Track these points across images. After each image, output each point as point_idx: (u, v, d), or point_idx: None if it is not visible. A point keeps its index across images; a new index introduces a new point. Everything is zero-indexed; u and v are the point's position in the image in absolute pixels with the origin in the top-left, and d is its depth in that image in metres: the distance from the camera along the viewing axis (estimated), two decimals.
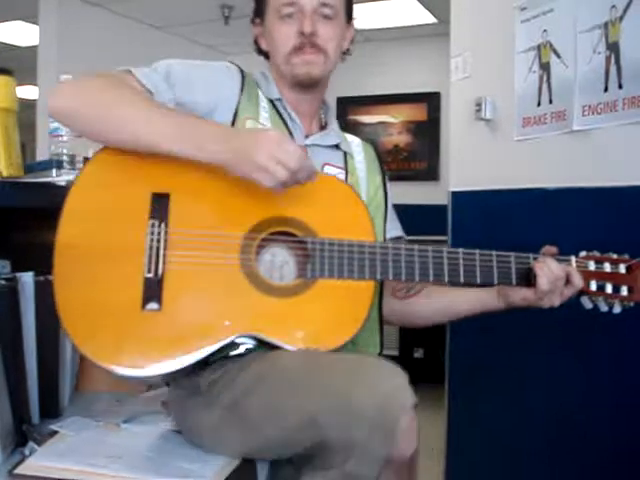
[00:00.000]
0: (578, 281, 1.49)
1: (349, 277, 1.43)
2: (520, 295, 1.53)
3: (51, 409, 1.69)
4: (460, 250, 1.48)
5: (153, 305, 1.35)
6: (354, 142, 1.74)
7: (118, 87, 1.40)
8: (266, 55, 1.67)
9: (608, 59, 2.09)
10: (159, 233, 1.38)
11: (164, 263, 1.37)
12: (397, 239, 1.73)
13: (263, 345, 1.40)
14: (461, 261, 1.48)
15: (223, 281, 1.39)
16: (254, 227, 1.41)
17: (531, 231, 2.39)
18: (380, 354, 1.59)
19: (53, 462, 1.38)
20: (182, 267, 1.37)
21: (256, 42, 1.68)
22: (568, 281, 1.49)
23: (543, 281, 1.47)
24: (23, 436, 1.52)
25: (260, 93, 1.59)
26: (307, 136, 1.62)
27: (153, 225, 1.38)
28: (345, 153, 1.67)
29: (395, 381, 1.26)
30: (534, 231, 2.38)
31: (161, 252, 1.37)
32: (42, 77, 5.30)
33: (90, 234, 1.38)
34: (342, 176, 1.62)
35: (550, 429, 2.37)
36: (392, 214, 1.75)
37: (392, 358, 4.53)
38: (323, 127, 1.69)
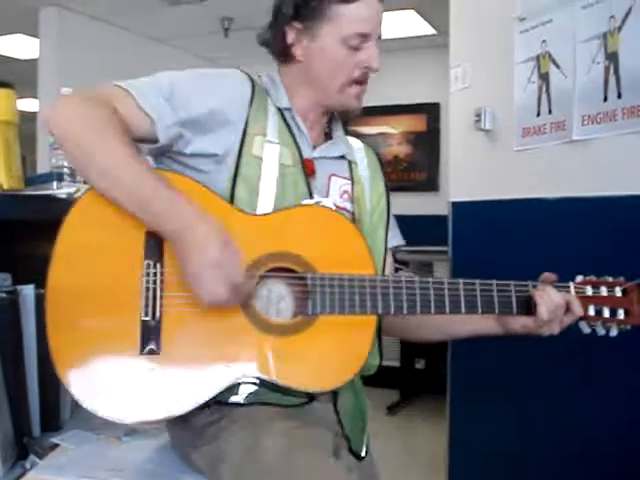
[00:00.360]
0: (578, 309, 1.47)
1: (350, 312, 1.39)
2: (520, 323, 1.50)
3: (52, 422, 1.69)
4: (460, 281, 1.45)
5: (152, 349, 1.32)
6: (357, 147, 1.70)
7: (105, 130, 1.32)
8: (286, 59, 1.56)
9: (607, 69, 2.10)
10: (155, 274, 1.34)
11: (161, 305, 1.33)
12: (396, 248, 1.72)
13: (265, 385, 1.37)
14: (462, 292, 1.45)
15: (223, 321, 1.34)
16: (252, 264, 1.36)
17: (531, 241, 2.40)
18: (380, 365, 1.57)
19: (54, 475, 1.38)
20: (180, 308, 1.33)
21: (283, 44, 1.54)
22: (568, 309, 1.47)
23: (543, 310, 1.44)
24: (24, 449, 1.52)
25: (269, 102, 1.54)
26: (314, 146, 1.58)
27: (148, 266, 1.34)
28: (350, 162, 1.64)
29: None
30: (534, 241, 2.39)
31: (157, 294, 1.33)
32: (42, 90, 5.32)
33: (82, 277, 1.34)
34: (348, 187, 1.59)
35: (552, 439, 2.37)
36: (393, 223, 1.72)
37: (393, 369, 4.57)
38: (328, 135, 1.65)
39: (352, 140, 1.72)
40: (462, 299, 1.44)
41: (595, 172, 2.17)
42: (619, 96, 2.06)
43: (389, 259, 1.67)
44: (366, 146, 1.73)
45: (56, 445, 1.57)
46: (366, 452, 1.52)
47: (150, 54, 5.74)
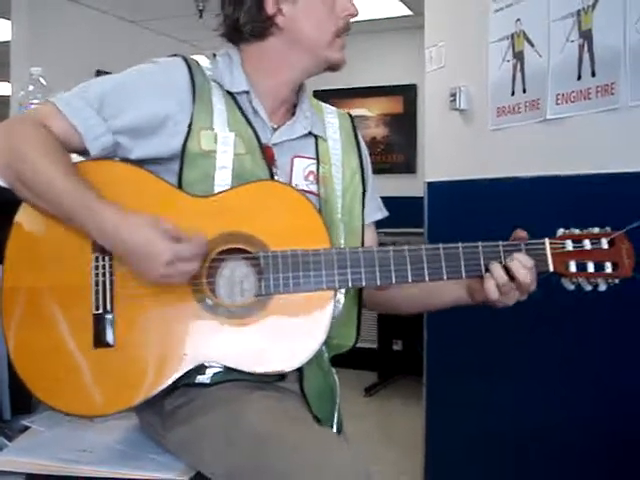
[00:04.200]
0: (533, 286, 1.40)
1: (306, 290, 1.36)
2: (482, 295, 1.43)
3: (23, 405, 1.68)
4: (423, 247, 1.39)
5: (105, 343, 1.32)
6: (330, 115, 1.64)
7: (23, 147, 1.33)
8: (262, 35, 1.48)
9: (581, 47, 2.10)
10: (104, 267, 1.33)
11: (112, 298, 1.33)
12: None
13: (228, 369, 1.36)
14: (424, 258, 1.38)
15: (175, 310, 1.33)
16: None
17: (506, 220, 2.38)
18: (354, 346, 1.55)
19: (23, 457, 1.36)
20: (132, 300, 1.33)
21: (262, 17, 1.46)
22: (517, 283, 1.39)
23: (491, 290, 1.39)
24: None
25: (213, 92, 1.47)
26: (275, 128, 1.52)
27: (97, 259, 1.33)
28: (317, 138, 1.57)
29: None
30: (510, 220, 2.37)
31: (107, 286, 1.33)
32: (15, 73, 5.25)
33: (35, 276, 1.34)
34: (313, 167, 1.54)
35: (529, 419, 2.38)
36: (372, 195, 1.66)
37: (371, 351, 4.58)
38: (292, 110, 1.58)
39: (326, 108, 1.66)
40: (425, 265, 1.38)
41: (569, 151, 2.17)
42: (593, 74, 2.06)
43: (370, 235, 1.64)
44: (340, 114, 1.67)
45: (27, 428, 1.55)
46: (338, 432, 1.51)
47: (123, 35, 5.67)
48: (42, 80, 2.25)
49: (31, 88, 2.24)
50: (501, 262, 1.40)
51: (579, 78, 2.10)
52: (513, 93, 2.38)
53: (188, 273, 1.29)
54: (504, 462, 2.51)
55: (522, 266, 1.38)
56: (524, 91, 2.33)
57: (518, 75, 2.36)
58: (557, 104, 2.18)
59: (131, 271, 1.31)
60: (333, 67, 1.53)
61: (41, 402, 1.33)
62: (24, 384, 1.31)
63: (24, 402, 1.67)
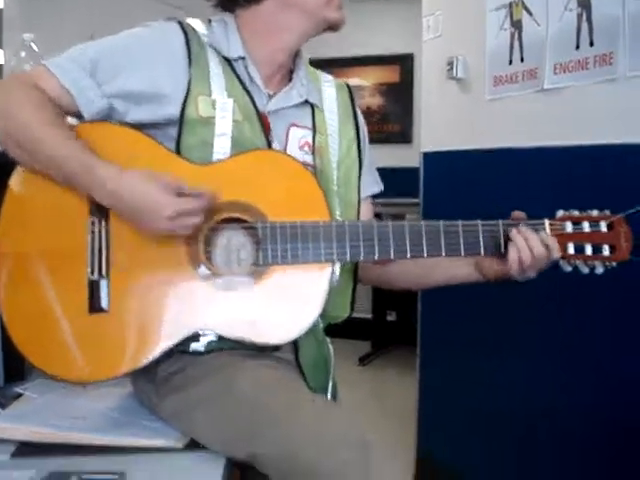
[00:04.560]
0: (556, 252, 1.38)
1: (304, 261, 1.34)
2: (493, 268, 1.44)
3: (16, 372, 1.67)
4: (423, 223, 1.39)
5: (100, 308, 1.31)
6: (327, 84, 1.62)
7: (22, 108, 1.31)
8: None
9: (579, 16, 2.07)
10: (100, 231, 1.32)
11: (108, 263, 1.32)
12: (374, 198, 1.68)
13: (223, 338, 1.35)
14: (424, 234, 1.38)
15: (171, 277, 1.32)
16: None
17: (503, 191, 2.39)
18: (348, 317, 1.55)
19: (15, 424, 1.36)
20: (128, 266, 1.32)
21: None
22: (545, 251, 1.38)
23: (514, 259, 1.38)
24: None
25: (210, 57, 1.44)
26: (272, 95, 1.50)
27: (93, 223, 1.32)
28: (313, 107, 1.56)
29: (350, 454, 1.13)
30: (507, 190, 2.38)
31: (103, 251, 1.32)
32: (7, 40, 5.18)
33: (29, 241, 1.33)
34: (309, 137, 1.52)
35: (523, 390, 2.39)
36: (369, 168, 1.65)
37: (365, 321, 4.59)
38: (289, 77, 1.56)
39: (324, 77, 1.64)
40: (424, 241, 1.38)
41: (567, 121, 2.15)
42: (591, 44, 2.04)
43: (366, 208, 1.63)
44: (338, 82, 1.65)
45: (20, 395, 1.55)
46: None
47: (117, 2, 5.60)
48: (34, 46, 2.22)
49: (23, 54, 2.22)
50: (505, 239, 1.41)
51: (577, 47, 2.08)
52: (511, 62, 2.36)
53: (190, 227, 1.28)
54: (496, 431, 2.52)
55: (541, 242, 1.38)
56: (522, 60, 2.31)
57: (516, 44, 2.34)
58: (555, 74, 2.16)
59: (131, 229, 1.30)
60: (332, 27, 1.50)
61: (34, 367, 1.32)
62: (18, 349, 1.31)
63: (17, 369, 1.67)
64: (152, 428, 1.37)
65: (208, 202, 1.29)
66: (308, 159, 1.50)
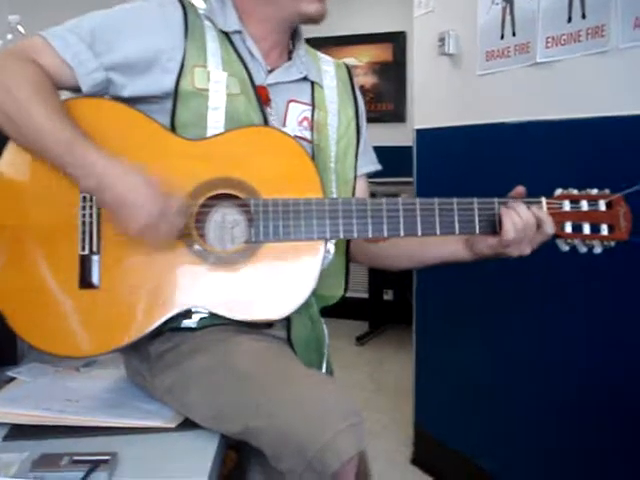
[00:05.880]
0: (549, 228, 1.37)
1: (296, 239, 1.34)
2: (486, 244, 1.41)
3: (9, 356, 1.66)
4: (417, 200, 1.36)
5: (90, 284, 1.31)
6: (326, 64, 1.62)
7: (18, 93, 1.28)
8: None
9: None
10: (91, 207, 1.31)
11: (99, 239, 1.31)
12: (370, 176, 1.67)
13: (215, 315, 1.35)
14: (418, 212, 1.36)
15: (163, 254, 1.31)
16: (192, 192, 1.33)
17: (496, 165, 2.38)
18: (343, 297, 1.54)
19: (7, 407, 1.35)
20: (119, 242, 1.31)
21: None
22: (539, 227, 1.37)
23: (509, 228, 1.35)
24: None
25: (206, 30, 1.44)
26: (271, 70, 1.49)
27: (84, 199, 1.32)
28: (313, 84, 1.55)
29: (342, 425, 1.12)
30: (499, 165, 2.37)
31: (95, 227, 1.31)
32: None
33: (20, 216, 1.32)
34: (308, 113, 1.52)
35: (517, 367, 2.39)
36: (365, 147, 1.64)
37: (362, 301, 4.59)
38: (291, 55, 1.55)
39: (323, 57, 1.64)
40: (418, 219, 1.37)
41: (560, 94, 2.14)
42: (583, 16, 2.02)
43: (361, 186, 1.62)
44: (337, 63, 1.65)
45: (12, 379, 1.55)
46: None
47: None
48: (20, 28, 2.20)
49: (10, 37, 2.19)
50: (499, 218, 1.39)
51: (569, 20, 2.06)
52: (502, 37, 2.34)
53: (170, 230, 1.28)
54: (492, 408, 2.53)
55: (533, 215, 1.38)
56: (513, 34, 2.29)
57: (507, 18, 2.32)
58: (547, 47, 2.14)
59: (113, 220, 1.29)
60: (312, 20, 1.47)
61: (24, 341, 1.32)
62: (7, 324, 1.30)
63: (10, 353, 1.66)
64: (144, 409, 1.36)
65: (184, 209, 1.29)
66: (306, 135, 1.50)
